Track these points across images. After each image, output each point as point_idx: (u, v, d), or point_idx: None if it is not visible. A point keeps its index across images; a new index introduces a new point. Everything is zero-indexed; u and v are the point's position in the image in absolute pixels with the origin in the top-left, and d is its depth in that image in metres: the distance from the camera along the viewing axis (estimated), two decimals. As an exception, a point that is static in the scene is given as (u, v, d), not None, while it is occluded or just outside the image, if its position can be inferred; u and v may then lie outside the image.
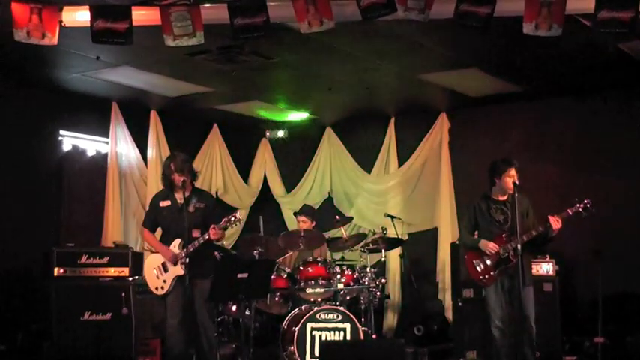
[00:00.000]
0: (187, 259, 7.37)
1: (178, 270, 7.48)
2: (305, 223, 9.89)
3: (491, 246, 7.55)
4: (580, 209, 7.34)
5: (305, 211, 10.17)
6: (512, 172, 7.57)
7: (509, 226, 7.54)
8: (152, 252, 8.00)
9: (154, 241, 7.84)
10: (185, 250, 7.42)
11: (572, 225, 7.62)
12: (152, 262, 7.77)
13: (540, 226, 7.39)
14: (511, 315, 7.56)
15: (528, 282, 7.52)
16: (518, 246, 7.23)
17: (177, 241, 7.57)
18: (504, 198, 7.71)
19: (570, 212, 7.35)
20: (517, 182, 7.48)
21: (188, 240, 7.46)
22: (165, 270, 7.60)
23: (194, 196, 7.72)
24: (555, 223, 7.30)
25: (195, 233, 7.59)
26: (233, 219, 7.48)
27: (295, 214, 10.30)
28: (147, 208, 8.11)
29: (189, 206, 7.60)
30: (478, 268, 7.67)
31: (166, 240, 7.71)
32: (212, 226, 7.46)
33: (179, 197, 7.65)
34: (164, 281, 7.60)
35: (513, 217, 7.43)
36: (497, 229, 7.65)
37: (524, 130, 10.74)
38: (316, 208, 11.12)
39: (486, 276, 7.62)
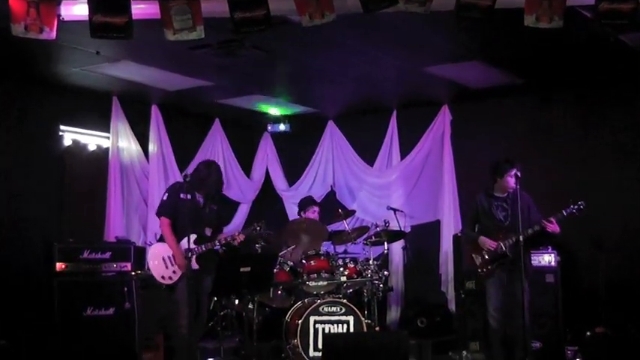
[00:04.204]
0: (195, 255, 7.71)
1: (192, 264, 7.65)
2: (317, 213, 10.18)
3: (488, 244, 7.94)
4: (574, 210, 7.71)
5: (313, 201, 10.32)
6: (514, 171, 7.88)
7: (510, 222, 7.89)
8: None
9: (172, 237, 7.88)
10: (202, 246, 7.81)
11: (574, 217, 7.76)
12: (161, 251, 7.87)
13: (537, 225, 7.71)
14: (509, 306, 7.89)
15: (527, 276, 7.78)
16: (520, 238, 7.55)
17: (193, 236, 7.76)
18: (505, 194, 8.01)
19: (565, 213, 7.72)
20: (519, 174, 7.72)
21: (202, 238, 7.89)
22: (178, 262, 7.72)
23: (209, 199, 8.07)
24: (550, 225, 7.68)
25: (208, 232, 8.01)
26: (259, 229, 8.12)
27: (303, 207, 10.30)
28: (164, 198, 8.11)
29: (205, 208, 7.98)
30: (477, 261, 8.06)
31: (177, 233, 7.86)
32: (238, 232, 8.09)
33: (198, 196, 8.00)
34: (174, 272, 7.73)
35: (514, 214, 7.78)
36: (496, 226, 8.00)
37: (526, 122, 10.71)
38: (319, 201, 11.12)
39: (484, 269, 8.02)
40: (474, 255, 8.09)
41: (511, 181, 7.90)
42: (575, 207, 7.69)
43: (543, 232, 7.75)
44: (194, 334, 7.99)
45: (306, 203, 10.35)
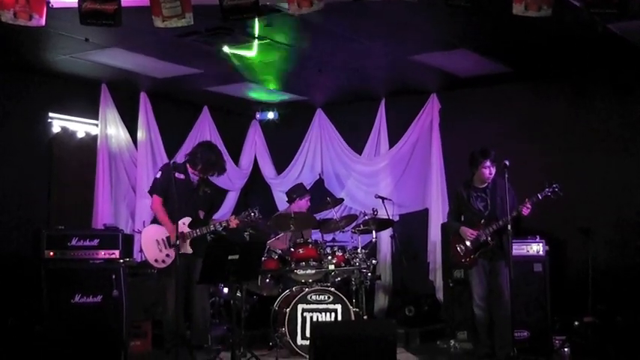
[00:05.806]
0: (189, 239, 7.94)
1: (186, 248, 7.72)
2: (309, 201, 10.24)
3: (469, 233, 8.11)
4: (549, 193, 7.86)
5: (306, 190, 10.37)
6: (488, 163, 8.06)
7: (490, 211, 8.08)
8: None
9: (164, 214, 7.97)
10: (197, 230, 7.97)
11: (562, 205, 7.81)
12: (155, 233, 7.92)
13: (514, 211, 7.84)
14: (493, 294, 8.09)
15: (508, 262, 7.88)
16: (509, 227, 7.72)
17: (187, 219, 7.93)
18: (484, 185, 8.19)
19: (540, 196, 7.88)
20: (507, 163, 7.77)
21: (197, 222, 8.04)
22: (171, 245, 7.71)
23: (203, 182, 8.26)
24: (525, 210, 7.84)
25: (201, 215, 8.19)
26: (253, 215, 8.15)
27: (298, 195, 10.26)
28: (157, 176, 8.34)
29: (199, 190, 8.17)
30: (461, 251, 8.22)
31: (169, 213, 7.95)
32: (233, 216, 8.23)
33: (192, 177, 8.20)
34: (167, 255, 7.78)
35: (492, 203, 8.04)
36: (476, 217, 8.16)
37: (515, 110, 10.72)
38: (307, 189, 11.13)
39: (468, 259, 8.18)
40: (458, 246, 8.24)
41: (485, 172, 8.07)
42: (550, 190, 7.86)
43: (520, 216, 7.92)
44: (182, 321, 8.01)
45: (299, 192, 10.32)
